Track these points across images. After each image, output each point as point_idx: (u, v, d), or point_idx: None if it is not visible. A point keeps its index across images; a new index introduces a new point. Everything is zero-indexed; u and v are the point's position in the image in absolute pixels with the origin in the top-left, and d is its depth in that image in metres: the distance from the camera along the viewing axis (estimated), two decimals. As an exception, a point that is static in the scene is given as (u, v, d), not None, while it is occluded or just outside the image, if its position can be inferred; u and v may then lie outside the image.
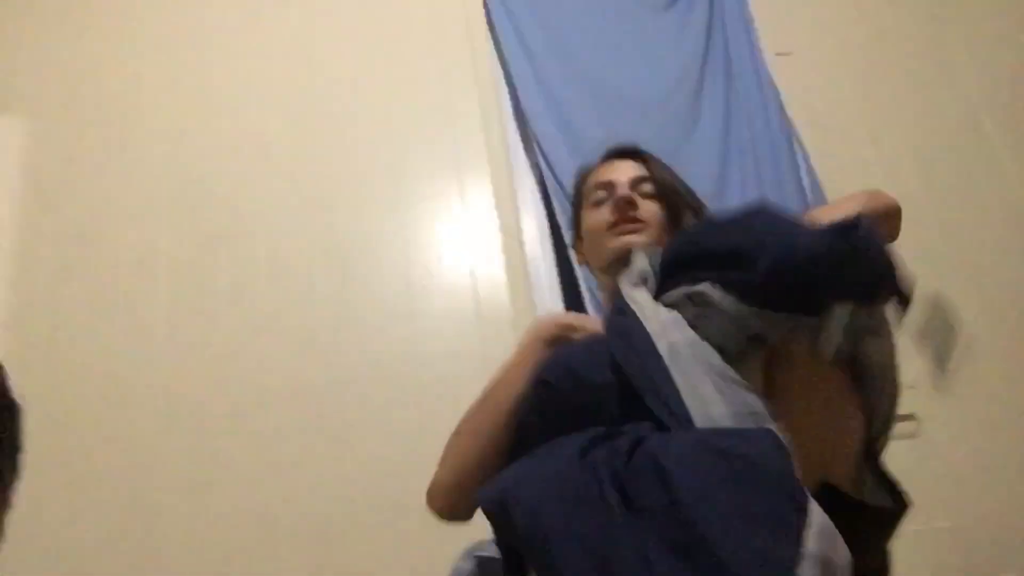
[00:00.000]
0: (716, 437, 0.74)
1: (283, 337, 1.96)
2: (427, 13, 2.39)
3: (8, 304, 1.95)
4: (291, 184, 2.14)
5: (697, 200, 1.31)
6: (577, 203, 1.36)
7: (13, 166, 2.12)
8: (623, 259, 1.15)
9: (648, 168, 1.30)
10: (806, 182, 2.26)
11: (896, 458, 2.03)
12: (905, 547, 1.86)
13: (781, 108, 2.33)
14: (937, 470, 2.02)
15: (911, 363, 2.11)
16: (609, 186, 1.28)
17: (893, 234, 1.08)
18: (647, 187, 1.27)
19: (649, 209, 1.25)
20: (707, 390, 0.82)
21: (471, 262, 2.07)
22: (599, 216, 1.26)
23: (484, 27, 2.38)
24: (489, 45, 2.37)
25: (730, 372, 0.83)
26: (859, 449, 0.95)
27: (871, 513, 0.94)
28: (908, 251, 2.35)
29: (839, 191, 2.25)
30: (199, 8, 2.38)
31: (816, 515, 0.68)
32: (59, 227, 2.06)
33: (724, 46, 2.42)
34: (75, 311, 1.96)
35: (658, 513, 0.68)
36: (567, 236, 1.75)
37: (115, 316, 1.96)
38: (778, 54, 2.43)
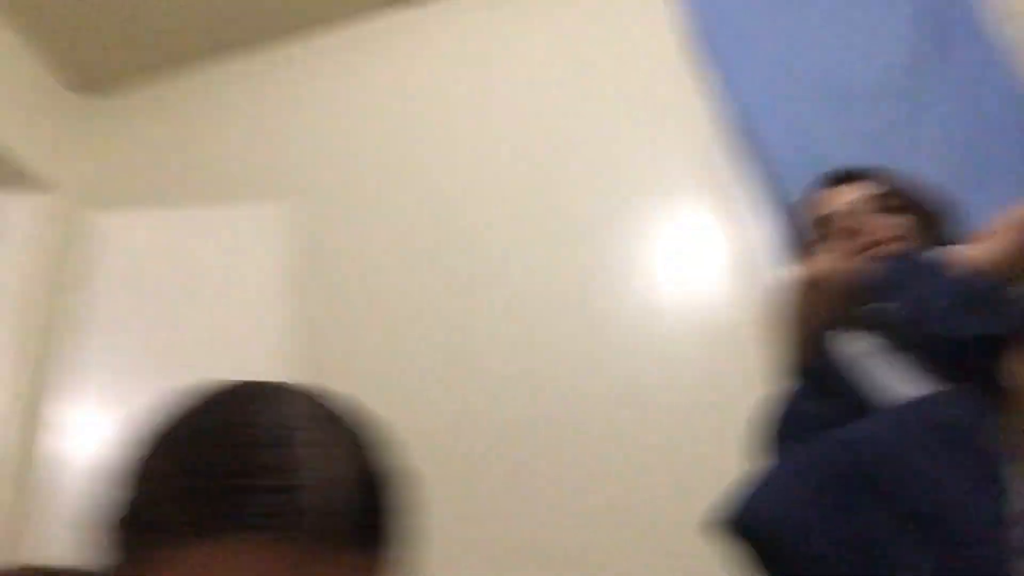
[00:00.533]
0: (919, 410, 0.81)
1: (535, 380, 2.07)
2: (634, 44, 2.44)
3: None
4: (532, 234, 2.26)
5: (933, 196, 1.27)
6: (799, 230, 1.36)
7: (282, 248, 2.36)
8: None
9: (867, 185, 1.27)
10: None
11: None
12: None
13: (1013, 75, 2.11)
14: None
15: None
16: (827, 221, 1.28)
17: None
18: (874, 204, 1.25)
19: (883, 225, 1.22)
20: None
21: (720, 281, 2.06)
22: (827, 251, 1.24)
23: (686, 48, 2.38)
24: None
25: None
26: None
27: None
28: None
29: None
30: (421, 76, 2.59)
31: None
32: (328, 304, 2.29)
33: (938, 15, 2.23)
34: (353, 381, 2.16)
35: (897, 499, 0.74)
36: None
37: (391, 378, 2.14)
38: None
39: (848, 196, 1.27)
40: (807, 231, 1.34)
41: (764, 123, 2.19)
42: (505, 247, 2.26)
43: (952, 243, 1.21)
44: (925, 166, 2.04)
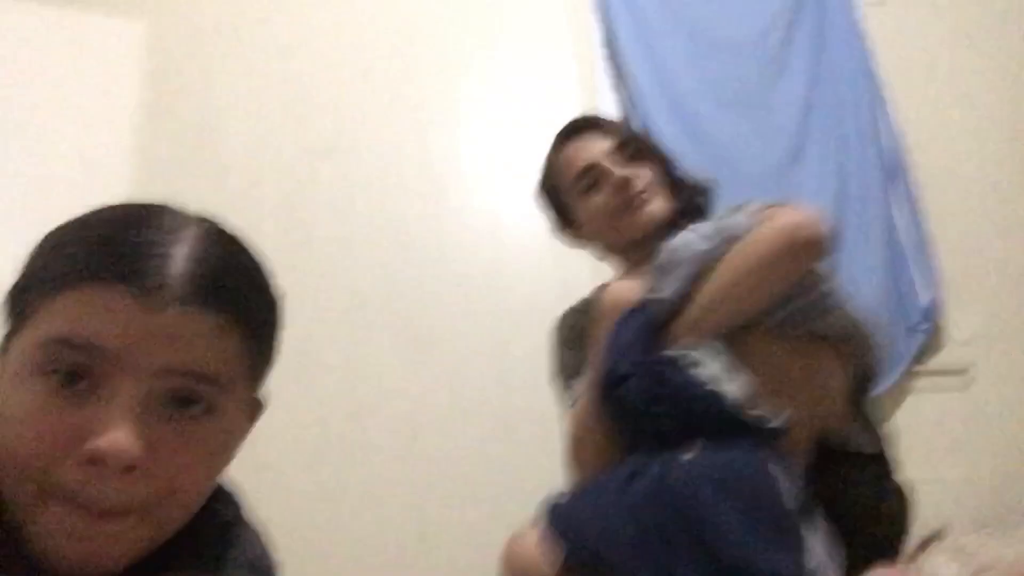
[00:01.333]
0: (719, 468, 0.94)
1: (379, 247, 2.11)
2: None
3: (125, 190, 2.11)
4: (389, 105, 2.25)
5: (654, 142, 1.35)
6: (554, 190, 1.35)
7: (133, 67, 2.24)
8: (650, 235, 1.23)
9: (612, 135, 1.29)
10: (885, 142, 2.27)
11: (948, 409, 2.14)
12: (949, 492, 1.99)
13: (869, 63, 2.34)
14: (985, 422, 2.12)
15: (966, 320, 2.20)
16: (591, 169, 1.28)
17: (793, 270, 1.06)
18: (624, 154, 1.28)
19: (641, 175, 1.26)
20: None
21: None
22: (599, 202, 1.27)
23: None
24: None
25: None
26: (842, 401, 1.10)
27: (854, 457, 1.11)
28: (996, 219, 2.40)
29: (923, 151, 2.28)
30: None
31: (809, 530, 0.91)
32: (175, 128, 2.20)
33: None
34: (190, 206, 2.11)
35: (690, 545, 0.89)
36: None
37: (226, 216, 2.10)
38: (871, 3, 2.42)
39: (598, 145, 1.29)
40: (563, 187, 1.34)
41: (631, 57, 2.28)
42: (356, 116, 2.24)
43: (690, 191, 1.29)
44: (765, 123, 2.25)
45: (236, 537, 0.66)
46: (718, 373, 1.00)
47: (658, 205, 1.26)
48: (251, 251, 0.63)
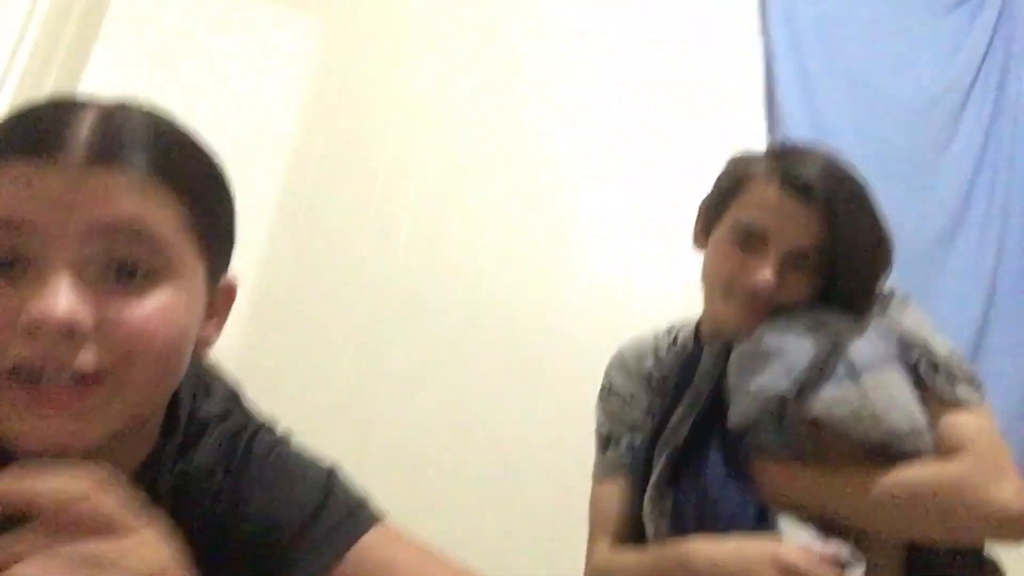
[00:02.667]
0: None
1: (503, 272, 2.13)
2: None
3: (279, 191, 2.21)
4: (537, 130, 2.26)
5: (877, 255, 1.12)
6: (725, 194, 1.15)
7: (301, 63, 2.35)
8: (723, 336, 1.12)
9: (827, 226, 1.06)
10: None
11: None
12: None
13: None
14: None
15: None
16: (761, 239, 1.08)
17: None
18: (807, 262, 1.07)
19: (791, 294, 1.08)
20: None
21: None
22: (731, 261, 1.10)
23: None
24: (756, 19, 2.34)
25: None
26: None
27: None
28: None
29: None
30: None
31: None
32: (333, 127, 2.29)
33: (1003, 59, 2.28)
34: (333, 210, 2.19)
35: None
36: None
37: (366, 220, 2.18)
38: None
39: (796, 231, 1.07)
40: (719, 198, 1.17)
41: (789, 106, 2.21)
42: (500, 140, 2.27)
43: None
44: (926, 195, 2.14)
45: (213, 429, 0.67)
46: None
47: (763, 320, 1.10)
48: (173, 119, 0.61)
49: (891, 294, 1.11)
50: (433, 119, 2.28)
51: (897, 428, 0.98)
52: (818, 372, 0.99)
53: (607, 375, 1.31)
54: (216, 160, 0.63)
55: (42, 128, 0.55)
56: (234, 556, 0.65)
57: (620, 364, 1.29)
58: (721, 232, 1.13)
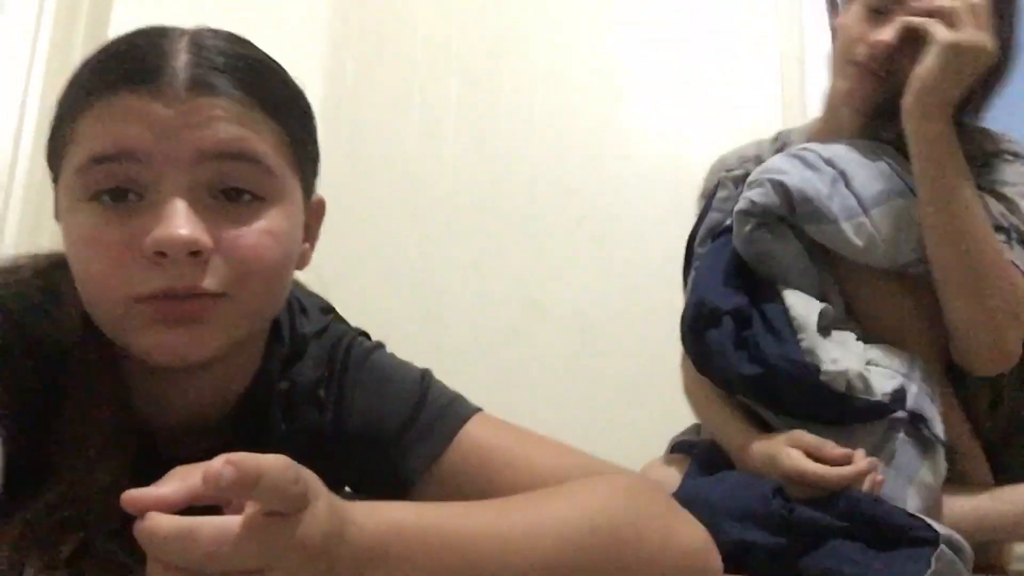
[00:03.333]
0: None
1: (558, 143, 2.09)
2: None
3: (319, 91, 2.19)
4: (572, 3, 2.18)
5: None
6: None
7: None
8: (848, 107, 1.09)
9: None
10: None
11: None
12: None
13: None
14: None
15: None
16: (889, 10, 1.02)
17: None
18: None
19: (909, 64, 0.99)
20: None
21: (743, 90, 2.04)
22: (857, 27, 1.05)
23: None
24: None
25: None
26: None
27: None
28: None
29: None
30: None
31: None
32: (366, 19, 2.24)
33: None
34: (377, 102, 2.17)
35: None
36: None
37: (411, 111, 2.15)
38: None
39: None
40: None
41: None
42: (540, 13, 2.18)
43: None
44: None
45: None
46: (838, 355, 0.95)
47: (888, 96, 1.03)
48: (258, 46, 0.64)
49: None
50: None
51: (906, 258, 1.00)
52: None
53: (706, 180, 1.31)
54: (298, 83, 0.65)
55: (141, 59, 0.57)
56: (342, 457, 0.70)
57: (721, 168, 1.28)
58: (853, 7, 1.09)
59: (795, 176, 0.99)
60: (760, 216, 1.01)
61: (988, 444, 1.03)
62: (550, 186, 2.08)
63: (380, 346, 0.77)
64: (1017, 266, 0.98)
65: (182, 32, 0.60)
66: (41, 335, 0.59)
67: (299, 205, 0.63)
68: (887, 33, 1.01)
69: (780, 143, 1.23)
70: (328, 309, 0.78)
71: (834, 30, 1.14)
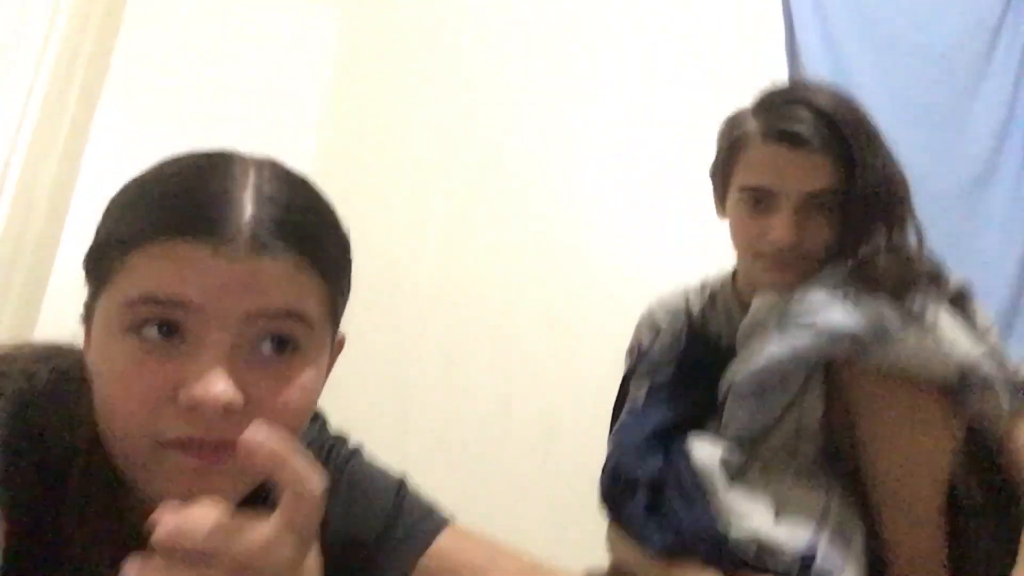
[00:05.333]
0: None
1: (533, 245, 2.15)
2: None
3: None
4: (561, 106, 2.26)
5: (897, 192, 1.07)
6: (725, 165, 1.14)
7: (326, 54, 2.34)
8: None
9: (827, 161, 1.04)
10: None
11: None
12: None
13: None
14: None
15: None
16: (769, 194, 1.06)
17: None
18: (823, 201, 1.05)
19: (814, 239, 1.06)
20: None
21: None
22: (747, 227, 1.10)
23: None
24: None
25: None
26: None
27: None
28: None
29: None
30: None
31: None
32: (358, 120, 2.29)
33: (1029, 4, 2.22)
34: (363, 201, 2.20)
35: None
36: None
37: (393, 214, 2.18)
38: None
39: (801, 179, 1.05)
40: (721, 168, 1.16)
41: (810, 55, 2.17)
42: (524, 127, 2.26)
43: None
44: (956, 141, 2.10)
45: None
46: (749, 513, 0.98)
47: (799, 275, 1.07)
48: (317, 190, 0.65)
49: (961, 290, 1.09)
50: (458, 109, 2.28)
51: (969, 358, 0.98)
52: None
53: (635, 334, 1.34)
54: (343, 223, 0.67)
55: (207, 206, 0.57)
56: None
57: (649, 323, 1.31)
58: (732, 200, 1.13)
59: (856, 312, 0.99)
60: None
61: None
62: (525, 290, 2.11)
63: (358, 452, 0.78)
64: None
65: (245, 171, 0.60)
66: (50, 434, 0.60)
67: (328, 349, 0.65)
68: (781, 231, 1.05)
69: (708, 292, 1.27)
70: (316, 415, 0.79)
71: (730, 224, 1.17)
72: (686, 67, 2.27)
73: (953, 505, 1.02)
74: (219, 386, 0.54)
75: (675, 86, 2.26)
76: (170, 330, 0.56)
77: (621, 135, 2.23)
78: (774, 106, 1.11)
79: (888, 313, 0.98)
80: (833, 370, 1.02)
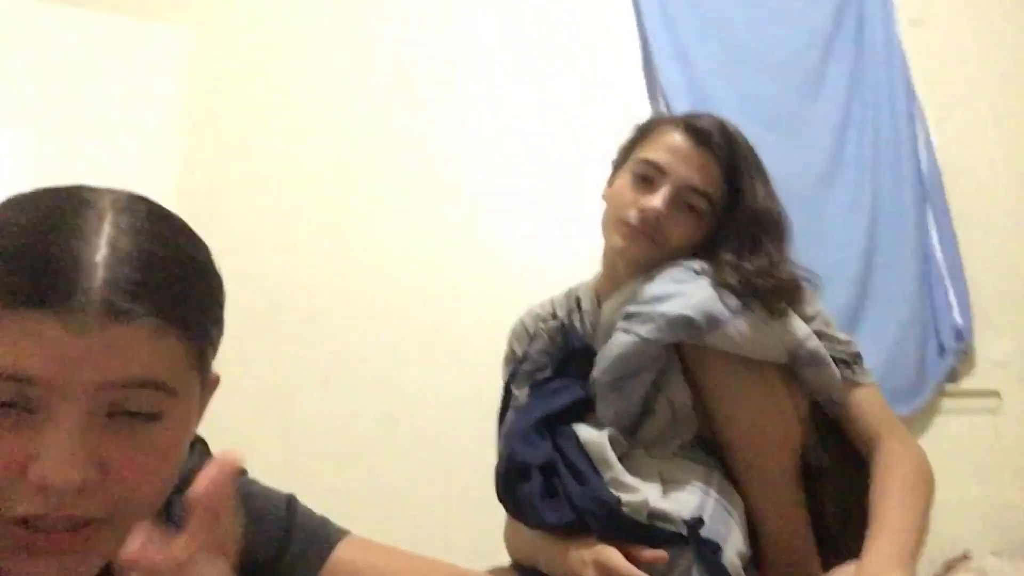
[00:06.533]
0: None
1: (411, 255, 2.15)
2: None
3: (170, 194, 2.17)
4: (428, 117, 2.28)
5: (769, 215, 1.19)
6: (632, 143, 1.25)
7: (178, 73, 2.29)
8: (622, 261, 1.20)
9: (716, 171, 1.16)
10: (924, 164, 2.28)
11: (977, 432, 2.14)
12: (975, 515, 1.99)
13: (908, 81, 2.35)
14: (1015, 445, 2.12)
15: (998, 343, 2.19)
16: (659, 172, 1.16)
17: None
18: (698, 202, 1.16)
19: (680, 228, 1.16)
20: None
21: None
22: (625, 196, 1.18)
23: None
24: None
25: None
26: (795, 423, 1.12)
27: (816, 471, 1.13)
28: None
29: (956, 172, 2.28)
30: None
31: None
32: (218, 136, 2.25)
33: (859, 10, 2.42)
34: (231, 218, 2.16)
35: None
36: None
37: (264, 223, 2.15)
38: (911, 23, 2.42)
39: (693, 172, 1.16)
40: (626, 148, 1.26)
41: (666, 68, 2.30)
42: (395, 128, 2.27)
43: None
44: (800, 142, 2.26)
45: None
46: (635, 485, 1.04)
47: (657, 255, 1.17)
48: (181, 234, 0.60)
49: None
50: (321, 116, 2.26)
51: (796, 337, 1.10)
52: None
53: (509, 344, 1.40)
54: (209, 257, 0.62)
55: (53, 272, 0.52)
56: None
57: (522, 332, 1.36)
58: (623, 172, 1.23)
59: (692, 300, 1.08)
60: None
61: (829, 534, 1.12)
62: (403, 298, 2.11)
63: (243, 472, 0.77)
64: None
65: (100, 222, 0.55)
66: None
67: (196, 397, 0.61)
68: (656, 200, 1.15)
69: (574, 296, 1.34)
70: (195, 441, 0.76)
71: (607, 196, 1.26)
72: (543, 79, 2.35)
73: (808, 473, 1.11)
74: (68, 467, 0.51)
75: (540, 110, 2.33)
76: (15, 405, 0.52)
77: (498, 143, 2.27)
78: (693, 113, 1.26)
79: (721, 302, 1.07)
80: (684, 355, 1.10)
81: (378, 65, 2.32)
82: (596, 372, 1.14)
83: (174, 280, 0.56)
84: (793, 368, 1.11)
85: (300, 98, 2.27)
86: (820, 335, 1.13)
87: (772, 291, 1.11)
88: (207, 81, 2.27)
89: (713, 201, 1.17)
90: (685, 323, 1.06)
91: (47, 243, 0.53)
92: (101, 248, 0.53)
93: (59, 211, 0.55)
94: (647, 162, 1.18)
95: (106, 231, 0.54)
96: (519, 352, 1.35)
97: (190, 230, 0.62)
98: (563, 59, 2.35)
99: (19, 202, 0.56)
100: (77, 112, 2.08)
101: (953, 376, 2.19)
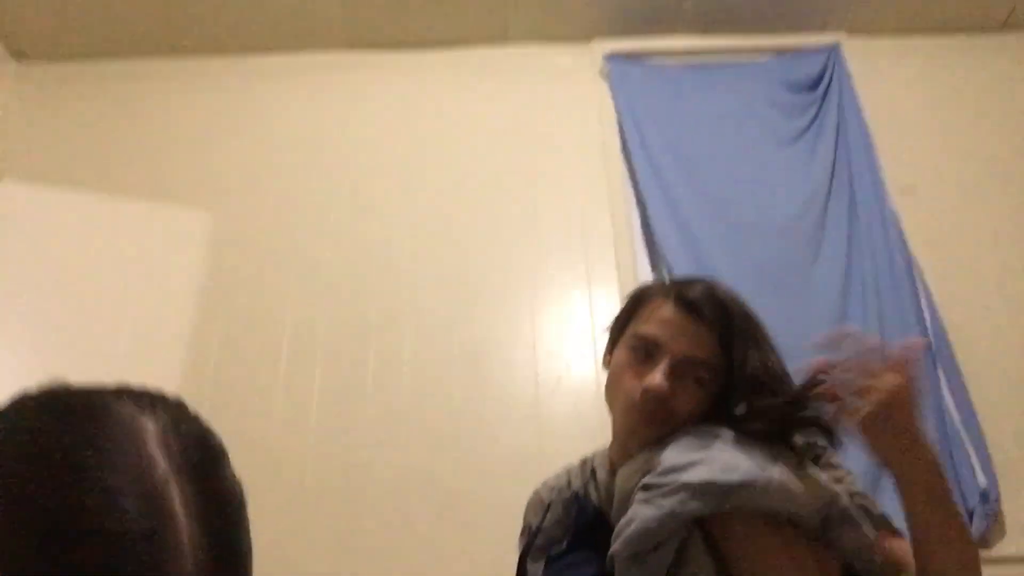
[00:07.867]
0: None
1: (419, 428, 2.14)
2: (566, 135, 2.61)
3: (180, 381, 2.19)
4: (437, 286, 2.35)
5: (770, 372, 1.16)
6: (626, 315, 1.24)
7: (197, 255, 2.39)
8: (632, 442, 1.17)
9: (712, 339, 1.14)
10: (929, 322, 2.29)
11: None
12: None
13: (904, 245, 2.40)
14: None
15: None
16: (655, 346, 1.14)
17: None
18: (698, 371, 1.13)
19: (685, 397, 1.13)
20: None
21: (598, 370, 2.21)
22: (627, 375, 1.16)
23: (618, 149, 2.58)
24: (623, 166, 2.56)
25: None
26: None
27: None
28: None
29: (962, 332, 2.29)
30: (360, 116, 2.66)
31: None
32: (231, 312, 2.31)
33: (848, 180, 2.51)
34: (240, 390, 2.18)
35: None
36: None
37: (274, 397, 2.17)
38: (902, 191, 2.51)
39: (690, 346, 1.14)
40: (620, 319, 1.25)
41: (667, 242, 2.37)
42: (409, 304, 2.33)
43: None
44: (805, 304, 2.29)
45: None
46: None
47: (668, 431, 1.14)
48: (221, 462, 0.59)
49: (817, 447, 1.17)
50: (329, 288, 2.33)
51: (827, 492, 1.07)
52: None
53: (525, 517, 1.34)
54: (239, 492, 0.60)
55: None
56: None
57: (537, 504, 1.32)
58: (620, 348, 1.21)
59: (715, 465, 1.05)
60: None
61: None
62: (413, 474, 2.08)
63: None
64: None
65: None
66: None
67: None
68: (657, 376, 1.12)
69: (589, 467, 1.31)
70: None
71: (608, 366, 1.24)
72: (542, 248, 2.42)
73: None
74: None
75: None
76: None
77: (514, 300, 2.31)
78: (683, 281, 1.24)
79: (747, 460, 1.04)
80: (707, 524, 1.06)
81: (393, 245, 2.40)
82: (616, 547, 1.09)
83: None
84: (823, 527, 1.06)
85: (310, 277, 2.35)
86: (851, 493, 1.10)
87: (800, 422, 1.09)
88: (223, 263, 2.36)
89: (714, 368, 1.16)
90: (712, 490, 1.02)
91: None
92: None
93: (80, 450, 0.51)
94: (643, 337, 1.17)
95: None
96: (535, 524, 1.31)
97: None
98: (559, 252, 2.44)
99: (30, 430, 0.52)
100: (103, 290, 2.14)
101: (984, 542, 2.09)
